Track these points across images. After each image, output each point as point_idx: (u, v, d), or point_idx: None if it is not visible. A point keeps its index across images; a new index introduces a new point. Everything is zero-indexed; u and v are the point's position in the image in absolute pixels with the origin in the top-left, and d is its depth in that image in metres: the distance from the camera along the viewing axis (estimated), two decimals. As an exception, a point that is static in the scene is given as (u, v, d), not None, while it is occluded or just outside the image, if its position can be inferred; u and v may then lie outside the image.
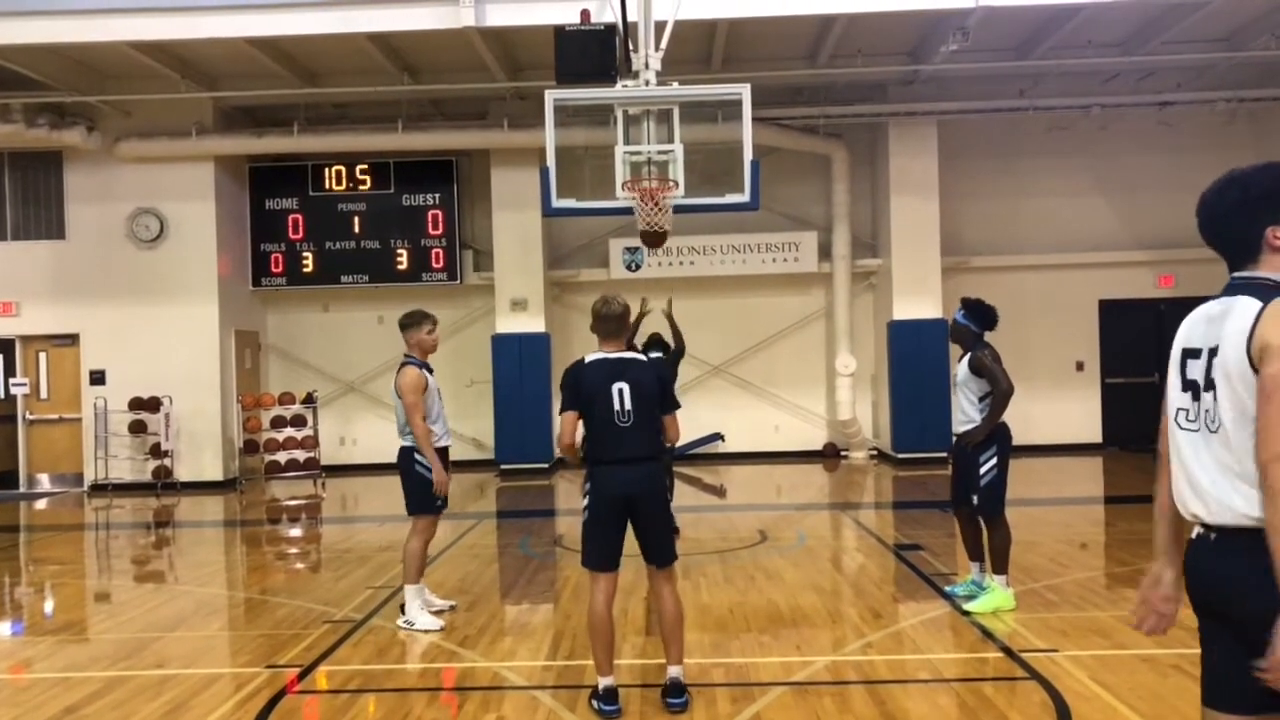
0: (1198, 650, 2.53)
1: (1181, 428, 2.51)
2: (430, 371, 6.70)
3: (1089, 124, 15.01)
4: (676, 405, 5.13)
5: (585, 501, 4.98)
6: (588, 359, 5.02)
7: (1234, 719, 2.41)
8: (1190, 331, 2.57)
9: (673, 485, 9.09)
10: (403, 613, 6.57)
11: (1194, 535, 2.49)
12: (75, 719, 5.02)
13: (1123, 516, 10.72)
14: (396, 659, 5.95)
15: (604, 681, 4.88)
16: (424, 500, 6.61)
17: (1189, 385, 2.49)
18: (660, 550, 5.00)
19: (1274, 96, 14.24)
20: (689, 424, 15.27)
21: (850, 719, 4.71)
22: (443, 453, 6.69)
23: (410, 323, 6.74)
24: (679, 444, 5.32)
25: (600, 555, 4.94)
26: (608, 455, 4.89)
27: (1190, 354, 2.53)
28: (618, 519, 4.92)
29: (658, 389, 4.98)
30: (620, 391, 4.88)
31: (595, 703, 4.88)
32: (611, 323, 5.03)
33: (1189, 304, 2.36)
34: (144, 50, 12.23)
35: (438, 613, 6.74)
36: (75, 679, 5.67)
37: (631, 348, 7.31)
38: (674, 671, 4.94)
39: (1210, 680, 2.50)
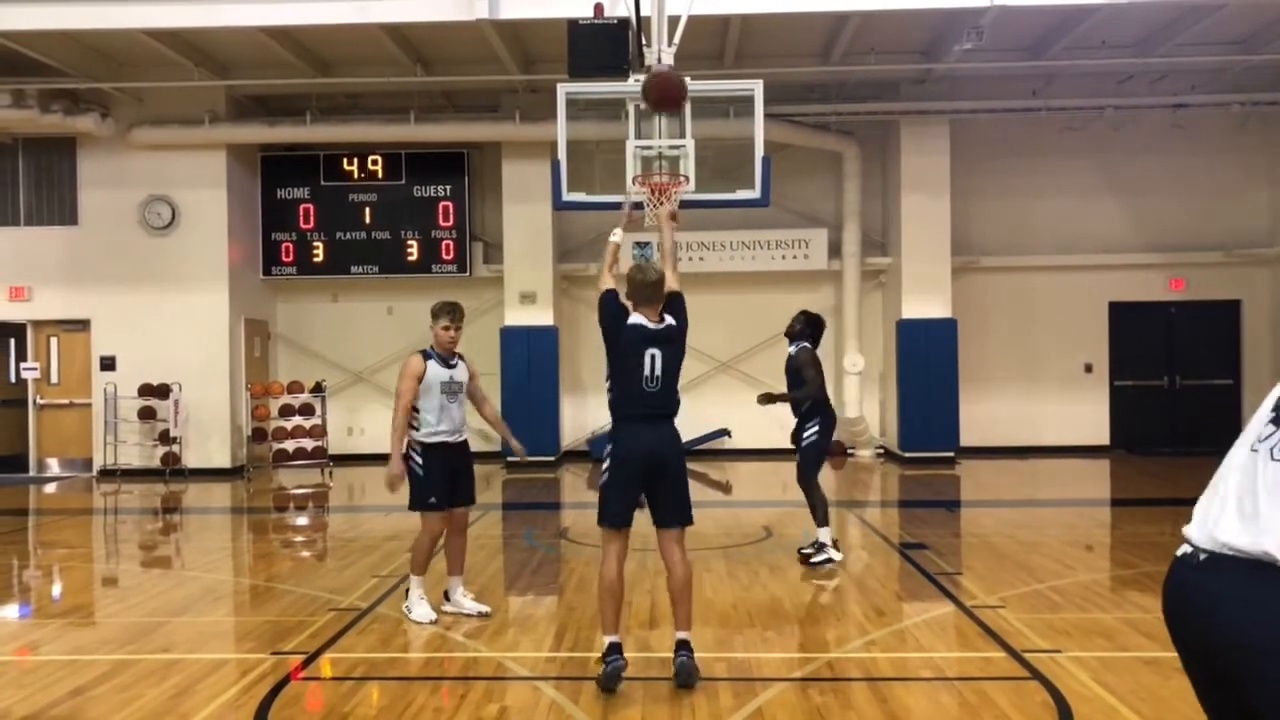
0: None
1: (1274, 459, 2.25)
2: (447, 365, 6.45)
3: (1102, 125, 14.96)
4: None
5: (607, 463, 5.12)
6: (630, 319, 5.18)
7: None
8: None
9: None
10: (406, 597, 6.60)
11: (1183, 553, 2.31)
12: (82, 701, 5.05)
13: (1129, 519, 10.71)
14: (401, 648, 5.98)
15: (609, 639, 5.02)
16: (416, 496, 6.44)
17: None
18: (677, 511, 5.15)
19: (1289, 100, 14.17)
20: (695, 420, 15.45)
21: (852, 716, 4.72)
22: (440, 448, 6.42)
23: (434, 312, 6.54)
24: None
25: (617, 512, 5.10)
26: (632, 411, 5.12)
27: None
28: (637, 477, 5.08)
29: (682, 349, 5.28)
30: (653, 358, 5.11)
31: (602, 667, 5.00)
32: (647, 289, 5.20)
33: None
34: (159, 38, 12.27)
35: (465, 616, 6.54)
36: (82, 662, 5.71)
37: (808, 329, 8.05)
38: (682, 635, 5.10)
39: None
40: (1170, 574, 2.36)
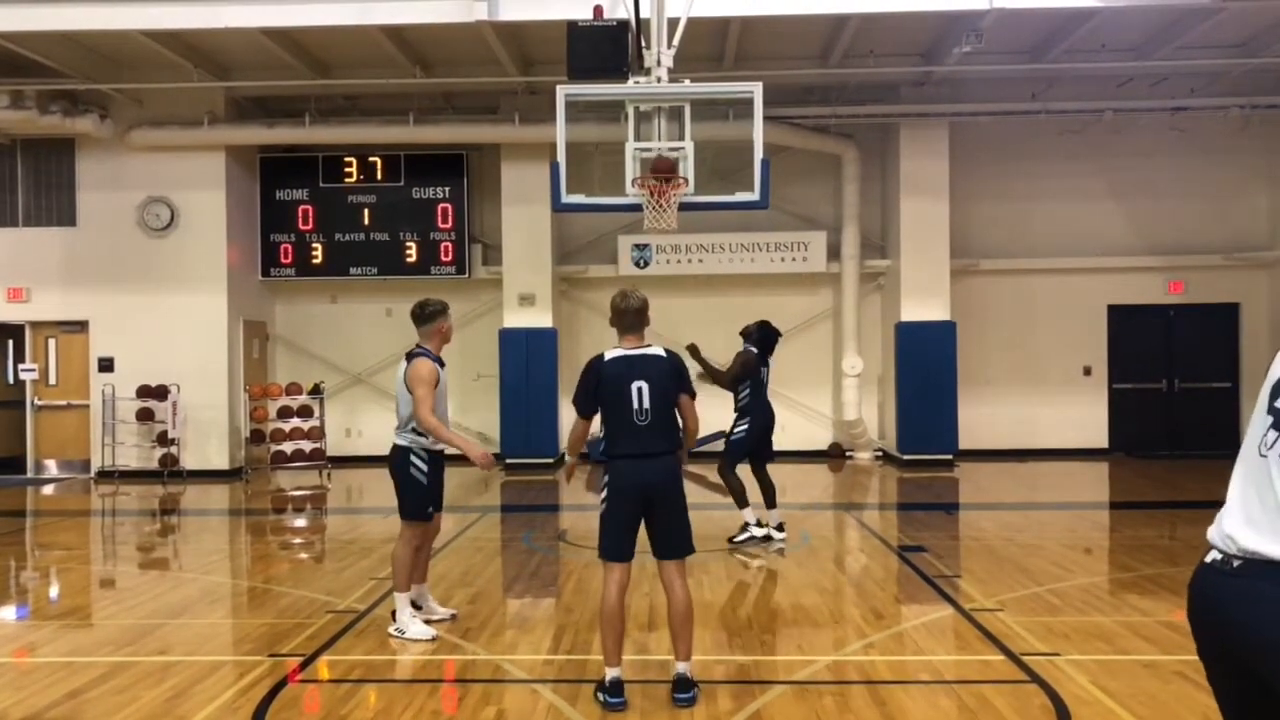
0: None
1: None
2: (443, 366, 6.35)
3: (1101, 128, 14.95)
4: (693, 392, 5.18)
5: (604, 494, 5.03)
6: (607, 356, 5.07)
7: None
8: None
9: None
10: (393, 620, 6.26)
11: (1211, 560, 2.33)
12: (79, 703, 5.04)
13: (1127, 522, 10.70)
14: (398, 650, 5.97)
15: (611, 673, 4.92)
16: (417, 506, 6.22)
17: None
18: (676, 543, 5.04)
19: (1288, 104, 14.17)
20: (694, 422, 15.27)
21: (851, 718, 4.72)
22: (437, 455, 6.27)
23: (439, 310, 6.40)
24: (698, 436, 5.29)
25: (617, 546, 5.00)
26: (625, 450, 4.98)
27: None
28: (635, 511, 4.98)
29: (674, 383, 5.05)
30: (639, 390, 4.96)
31: (601, 695, 4.90)
32: (630, 316, 5.10)
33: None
34: (158, 39, 12.25)
35: (438, 621, 6.44)
36: (79, 664, 5.70)
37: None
38: (681, 668, 4.97)
39: None
40: (1197, 579, 2.38)
